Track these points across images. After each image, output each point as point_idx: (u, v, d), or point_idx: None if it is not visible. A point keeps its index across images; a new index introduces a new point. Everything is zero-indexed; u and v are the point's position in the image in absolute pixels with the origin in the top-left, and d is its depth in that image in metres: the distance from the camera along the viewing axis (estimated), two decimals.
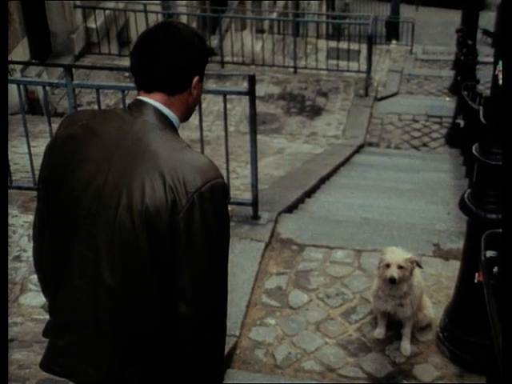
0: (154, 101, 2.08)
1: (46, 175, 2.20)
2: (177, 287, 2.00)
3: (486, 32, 19.39)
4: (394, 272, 3.70)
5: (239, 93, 5.30)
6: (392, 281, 3.72)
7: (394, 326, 4.08)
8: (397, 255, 3.76)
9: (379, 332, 4.08)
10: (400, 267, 3.72)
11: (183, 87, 2.11)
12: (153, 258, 1.99)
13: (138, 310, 2.04)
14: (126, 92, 4.94)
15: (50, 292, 2.29)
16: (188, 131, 7.91)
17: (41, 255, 2.27)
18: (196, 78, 2.12)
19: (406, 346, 3.97)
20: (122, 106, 5.05)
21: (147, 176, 1.96)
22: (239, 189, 6.05)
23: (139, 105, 2.10)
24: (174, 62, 2.06)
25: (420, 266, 3.85)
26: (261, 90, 11.36)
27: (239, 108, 10.64)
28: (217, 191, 1.99)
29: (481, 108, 5.34)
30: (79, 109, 6.73)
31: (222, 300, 2.10)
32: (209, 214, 1.97)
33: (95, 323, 2.10)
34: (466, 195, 3.61)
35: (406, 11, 23.47)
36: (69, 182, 2.09)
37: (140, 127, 2.05)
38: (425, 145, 10.77)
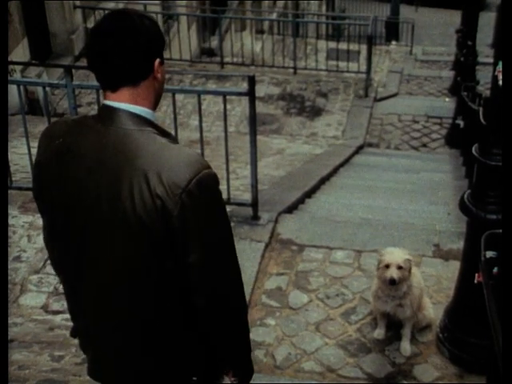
0: (122, 103, 2.01)
1: (37, 195, 2.20)
2: (190, 283, 2.02)
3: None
4: (393, 273, 3.71)
5: (239, 93, 5.30)
6: (392, 282, 3.72)
7: (394, 327, 4.08)
8: (396, 256, 3.77)
9: (379, 332, 4.08)
10: (399, 267, 3.72)
11: (146, 72, 2.03)
12: (156, 263, 2.00)
13: (146, 310, 2.07)
14: None
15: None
16: (188, 132, 7.93)
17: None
18: (157, 61, 2.04)
19: (406, 347, 3.97)
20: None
21: (135, 186, 1.91)
22: (239, 189, 6.05)
23: (108, 112, 2.02)
24: (130, 49, 1.97)
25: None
26: (260, 90, 11.37)
27: (239, 109, 10.65)
28: (205, 184, 1.93)
29: (481, 109, 5.34)
30: (79, 110, 6.72)
31: (235, 288, 2.10)
32: (201, 210, 1.94)
33: (106, 327, 2.14)
34: (465, 196, 3.61)
35: (406, 12, 23.45)
36: (61, 203, 2.08)
37: (115, 137, 1.98)
38: (425, 145, 10.77)
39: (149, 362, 2.14)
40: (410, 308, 3.87)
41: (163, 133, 2.06)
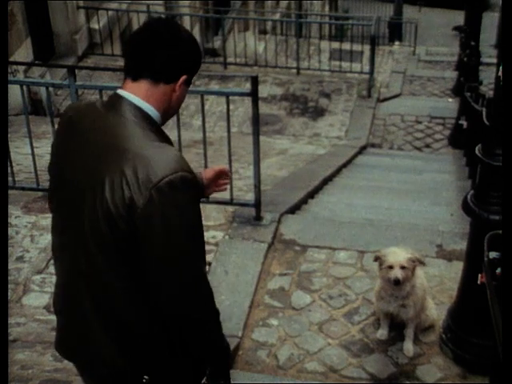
0: (132, 95, 2.08)
1: (49, 167, 2.31)
2: (149, 281, 2.03)
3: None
4: (397, 273, 3.70)
5: (242, 94, 5.30)
6: (396, 282, 3.71)
7: (397, 327, 4.08)
8: (399, 255, 3.75)
9: (382, 333, 4.08)
10: (403, 267, 3.71)
11: (169, 78, 2.09)
12: (119, 252, 2.01)
13: (112, 298, 2.09)
14: None
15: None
16: (191, 132, 7.93)
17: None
18: (184, 77, 2.12)
19: (409, 347, 3.96)
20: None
21: (109, 173, 1.97)
22: (242, 190, 6.05)
23: (116, 99, 2.10)
24: (167, 51, 2.07)
25: (423, 263, 3.83)
26: (264, 90, 11.38)
27: (242, 109, 10.65)
28: (176, 185, 1.94)
29: (484, 109, 5.33)
30: None
31: (197, 292, 2.07)
32: (168, 210, 1.94)
33: (80, 310, 2.17)
34: (469, 196, 3.61)
35: (409, 12, 23.44)
36: (56, 175, 2.22)
37: (111, 122, 2.06)
38: (428, 146, 10.76)
39: (110, 344, 2.14)
40: (413, 308, 3.87)
41: (160, 133, 2.11)
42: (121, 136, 2.02)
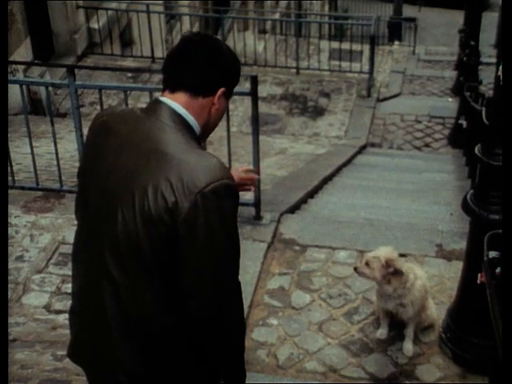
0: (171, 101, 2.09)
1: (80, 169, 2.29)
2: (184, 287, 2.02)
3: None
4: (360, 265, 3.84)
5: (242, 93, 5.28)
6: (354, 269, 3.89)
7: (397, 327, 4.08)
8: (371, 253, 3.83)
9: (381, 332, 4.08)
10: (366, 264, 3.79)
11: (207, 91, 2.11)
12: (155, 257, 2.00)
13: (139, 304, 2.06)
14: (128, 92, 4.95)
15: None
16: None
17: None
18: (222, 90, 2.12)
19: (409, 347, 3.96)
20: (124, 106, 5.06)
21: (151, 177, 1.97)
22: None
23: (155, 104, 2.11)
24: (208, 63, 2.08)
25: (399, 272, 3.76)
26: (263, 90, 11.37)
27: (242, 108, 10.65)
28: (221, 192, 1.96)
29: (483, 109, 5.33)
30: (81, 110, 6.72)
31: (231, 299, 2.09)
32: (212, 216, 1.96)
33: (99, 313, 2.13)
34: (468, 196, 3.61)
35: (409, 12, 23.43)
36: (87, 178, 2.18)
37: (151, 127, 2.06)
38: (427, 145, 10.76)
39: (132, 353, 2.11)
40: (411, 308, 3.86)
41: (198, 141, 2.12)
42: (163, 141, 2.02)
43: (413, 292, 3.84)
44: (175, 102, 2.08)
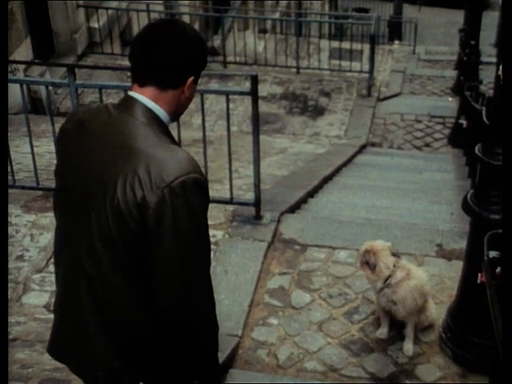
0: (142, 96, 2.08)
1: (56, 168, 2.29)
2: (154, 285, 2.02)
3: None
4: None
5: (242, 93, 5.29)
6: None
7: (397, 326, 4.08)
8: (365, 245, 3.90)
9: (381, 332, 4.08)
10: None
11: (176, 84, 2.10)
12: (128, 253, 2.01)
13: (116, 299, 2.08)
14: None
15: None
16: (191, 131, 7.92)
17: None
18: (191, 79, 2.12)
19: (409, 346, 3.96)
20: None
21: (122, 172, 1.97)
22: (242, 189, 6.05)
23: (127, 101, 2.11)
24: (173, 55, 2.06)
25: (373, 264, 3.85)
26: (263, 89, 11.37)
27: (242, 108, 10.65)
28: (189, 186, 1.95)
29: (484, 108, 5.33)
30: None
31: (201, 299, 2.07)
32: (180, 211, 1.95)
33: (77, 309, 2.15)
34: (468, 195, 3.61)
35: (409, 11, 23.43)
36: (63, 176, 2.19)
37: (123, 123, 2.06)
38: (427, 145, 10.75)
39: (108, 345, 2.13)
40: (402, 306, 3.85)
41: (169, 135, 2.12)
42: (133, 137, 2.02)
43: (402, 289, 3.82)
44: (145, 97, 2.08)
